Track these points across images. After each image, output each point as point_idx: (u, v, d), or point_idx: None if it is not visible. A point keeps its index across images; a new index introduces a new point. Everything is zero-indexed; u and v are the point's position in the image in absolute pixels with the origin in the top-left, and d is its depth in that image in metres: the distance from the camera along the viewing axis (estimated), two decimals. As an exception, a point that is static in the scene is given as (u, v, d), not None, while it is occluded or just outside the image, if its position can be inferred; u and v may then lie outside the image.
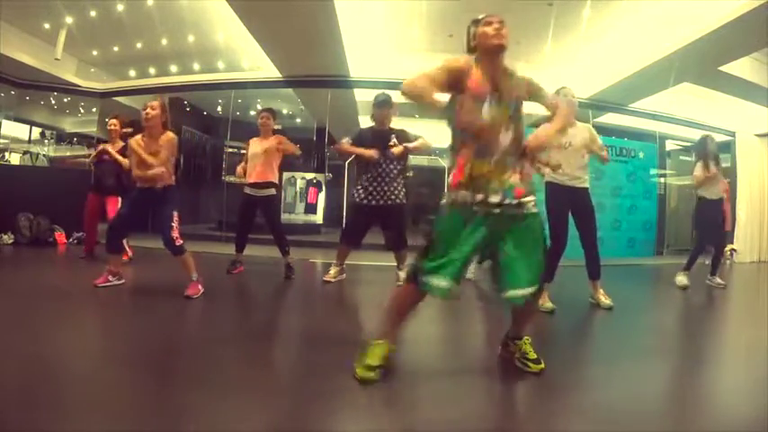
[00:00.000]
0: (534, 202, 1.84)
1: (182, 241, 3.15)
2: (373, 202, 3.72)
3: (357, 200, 3.79)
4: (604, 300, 3.29)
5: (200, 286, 3.15)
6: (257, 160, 4.05)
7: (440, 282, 1.72)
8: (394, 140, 3.73)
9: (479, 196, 1.75)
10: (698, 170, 4.42)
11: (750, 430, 1.51)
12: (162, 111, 3.18)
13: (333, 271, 4.02)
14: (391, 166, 3.75)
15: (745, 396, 1.84)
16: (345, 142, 3.85)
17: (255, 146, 4.10)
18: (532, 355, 1.91)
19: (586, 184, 3.29)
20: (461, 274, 1.77)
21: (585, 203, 3.28)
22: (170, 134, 3.21)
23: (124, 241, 4.62)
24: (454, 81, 1.80)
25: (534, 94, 1.90)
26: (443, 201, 1.85)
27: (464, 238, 1.75)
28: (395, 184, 3.76)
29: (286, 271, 4.11)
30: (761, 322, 3.20)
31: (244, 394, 1.63)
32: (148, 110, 3.14)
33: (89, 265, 4.46)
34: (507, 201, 1.76)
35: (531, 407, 1.75)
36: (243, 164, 4.17)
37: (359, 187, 3.82)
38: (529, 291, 1.77)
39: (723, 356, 2.56)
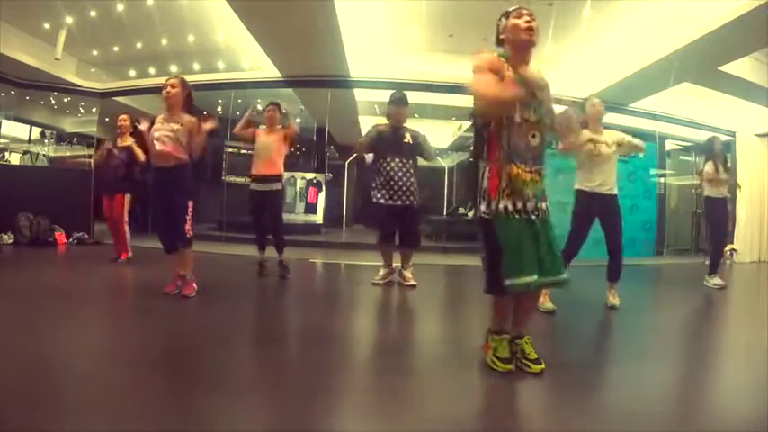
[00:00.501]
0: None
1: (192, 234, 3.05)
2: (399, 203, 3.77)
3: (382, 201, 3.81)
4: (612, 299, 3.35)
5: (194, 284, 3.11)
6: (263, 153, 4.03)
7: (527, 279, 1.76)
8: (408, 138, 3.80)
9: (519, 204, 1.80)
10: (709, 167, 4.49)
11: (750, 430, 1.51)
12: (183, 88, 3.07)
13: (382, 272, 4.02)
14: (407, 166, 3.79)
15: (746, 396, 1.83)
16: (365, 140, 3.88)
17: (262, 138, 4.07)
18: (533, 355, 1.90)
19: (614, 191, 3.33)
20: (540, 267, 1.80)
21: (613, 210, 3.32)
22: (191, 117, 3.07)
23: (128, 239, 4.63)
24: (500, 74, 1.80)
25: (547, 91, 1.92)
26: (492, 209, 1.82)
27: (529, 238, 1.80)
28: (410, 184, 3.80)
29: (281, 270, 4.09)
30: (761, 322, 3.20)
31: (244, 394, 1.63)
32: (169, 88, 3.02)
33: (89, 264, 4.46)
34: (539, 206, 1.84)
35: (531, 407, 1.75)
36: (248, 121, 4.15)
37: (379, 189, 3.83)
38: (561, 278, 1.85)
39: (723, 356, 2.56)
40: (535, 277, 1.78)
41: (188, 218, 3.02)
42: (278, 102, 4.31)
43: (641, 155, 3.72)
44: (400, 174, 3.76)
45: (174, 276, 3.13)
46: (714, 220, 4.68)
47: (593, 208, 3.27)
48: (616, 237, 3.32)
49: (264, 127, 4.13)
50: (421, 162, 4.03)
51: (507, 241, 1.81)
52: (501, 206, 1.80)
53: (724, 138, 8.58)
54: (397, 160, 3.78)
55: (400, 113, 3.84)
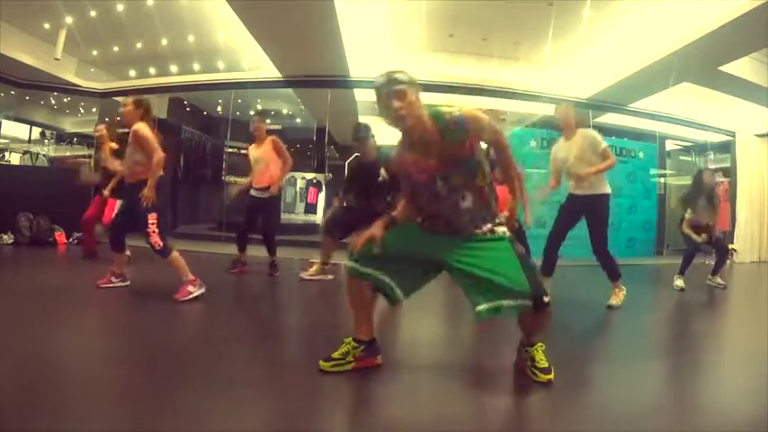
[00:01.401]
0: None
1: (162, 243, 3.02)
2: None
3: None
4: (613, 299, 3.33)
5: (189, 287, 3.01)
6: (257, 167, 4.13)
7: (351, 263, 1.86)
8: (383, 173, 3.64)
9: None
10: (690, 215, 4.53)
11: (750, 430, 1.51)
12: (136, 106, 3.17)
13: (315, 267, 4.07)
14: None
15: (746, 396, 1.84)
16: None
17: (253, 152, 4.19)
18: (542, 364, 1.83)
19: (598, 191, 3.30)
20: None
21: (591, 210, 3.32)
22: (141, 126, 3.09)
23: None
24: None
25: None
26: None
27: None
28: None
29: (269, 269, 4.18)
30: (761, 322, 3.20)
31: (243, 394, 1.63)
32: (121, 107, 3.20)
33: (90, 265, 4.46)
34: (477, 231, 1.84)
35: (530, 407, 1.74)
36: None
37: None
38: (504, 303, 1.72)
39: (723, 356, 2.55)
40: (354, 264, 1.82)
41: (149, 230, 3.01)
42: (262, 111, 4.38)
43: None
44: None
45: (109, 272, 3.27)
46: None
47: (569, 208, 3.38)
48: (595, 237, 3.32)
49: (254, 142, 4.21)
50: None
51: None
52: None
53: (724, 138, 8.64)
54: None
55: (368, 148, 3.71)
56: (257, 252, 4.38)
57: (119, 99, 8.64)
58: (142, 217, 3.02)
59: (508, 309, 1.69)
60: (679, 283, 4.38)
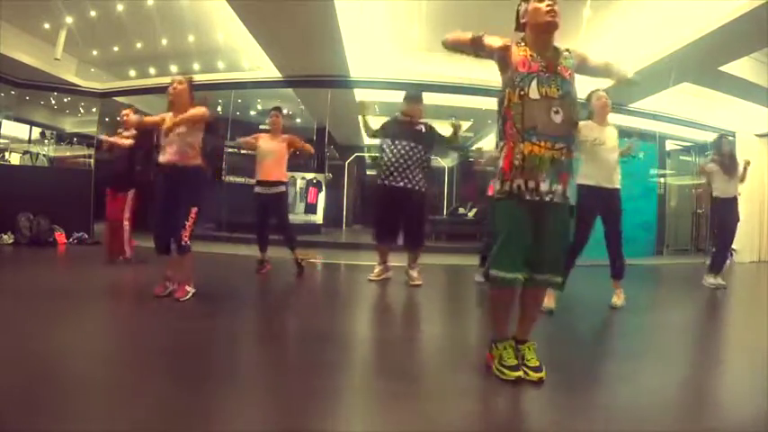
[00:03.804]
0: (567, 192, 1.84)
1: (188, 242, 2.92)
2: (401, 184, 3.79)
3: (378, 182, 3.88)
4: (615, 299, 3.33)
5: (187, 287, 3.00)
6: (267, 159, 4.06)
7: (508, 275, 1.77)
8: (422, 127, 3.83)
9: (531, 183, 1.75)
10: (711, 166, 4.50)
11: (750, 430, 1.51)
12: (190, 88, 3.03)
13: (377, 269, 4.09)
14: (416, 150, 3.80)
15: (746, 396, 1.83)
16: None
17: (266, 143, 4.09)
18: (533, 363, 1.81)
19: (618, 185, 3.30)
20: (532, 263, 1.80)
21: (615, 205, 3.29)
22: (200, 107, 2.95)
23: (127, 239, 4.60)
24: (500, 52, 1.81)
25: (583, 62, 1.92)
26: (504, 189, 1.80)
27: (526, 228, 1.77)
28: (414, 169, 3.79)
29: (297, 268, 4.15)
30: (761, 322, 3.20)
31: (243, 394, 1.64)
32: (175, 84, 2.97)
33: (89, 264, 4.46)
34: (554, 188, 1.77)
35: (530, 406, 1.74)
36: (248, 138, 4.21)
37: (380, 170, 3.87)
38: (555, 279, 1.84)
39: (723, 356, 2.55)
40: (518, 275, 1.76)
41: (187, 224, 2.91)
42: (280, 107, 4.35)
43: (637, 152, 3.64)
44: (407, 156, 3.70)
45: (163, 277, 3.05)
46: (723, 222, 4.59)
47: (596, 204, 3.20)
48: (616, 232, 3.29)
49: (267, 131, 4.15)
50: None
51: (500, 228, 1.80)
52: (514, 185, 1.77)
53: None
54: (405, 143, 3.71)
55: (414, 110, 3.85)
56: (255, 252, 4.37)
57: (119, 99, 8.66)
58: (184, 207, 2.90)
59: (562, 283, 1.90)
60: (718, 281, 4.36)
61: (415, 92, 3.92)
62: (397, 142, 3.74)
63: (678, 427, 1.53)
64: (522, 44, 1.83)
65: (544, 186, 1.76)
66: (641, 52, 6.36)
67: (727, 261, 4.47)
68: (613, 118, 9.07)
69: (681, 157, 9.57)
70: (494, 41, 1.83)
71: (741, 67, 6.44)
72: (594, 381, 1.99)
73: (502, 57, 1.82)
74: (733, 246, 7.55)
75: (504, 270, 1.77)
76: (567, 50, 1.88)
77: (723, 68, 6.35)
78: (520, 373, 1.77)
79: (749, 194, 8.13)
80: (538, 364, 1.81)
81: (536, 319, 1.96)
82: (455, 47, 1.90)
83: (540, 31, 1.82)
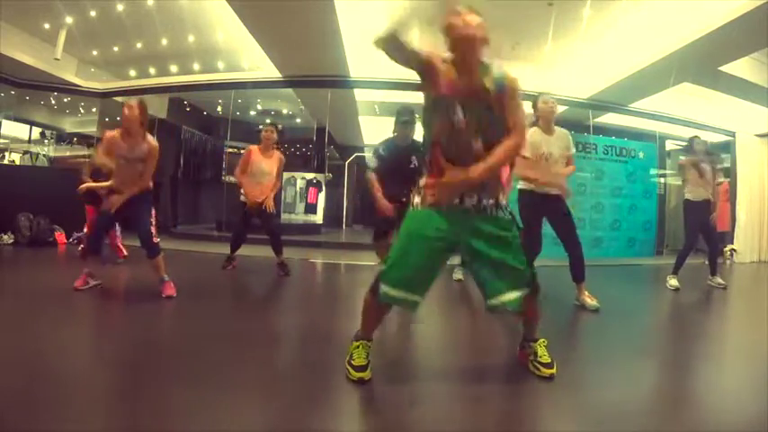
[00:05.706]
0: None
1: (157, 240, 3.11)
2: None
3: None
4: (590, 301, 3.19)
5: (171, 283, 3.09)
6: (262, 179, 4.04)
7: (393, 292, 1.73)
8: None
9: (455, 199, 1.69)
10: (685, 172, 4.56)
11: (750, 430, 1.51)
12: (141, 112, 3.07)
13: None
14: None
15: (746, 396, 1.83)
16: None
17: (260, 161, 4.06)
18: (545, 359, 1.85)
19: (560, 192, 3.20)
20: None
21: (559, 209, 3.20)
22: (152, 141, 3.11)
23: (119, 241, 4.63)
24: (426, 67, 1.73)
25: (501, 102, 1.69)
26: (415, 201, 1.75)
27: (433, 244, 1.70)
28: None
29: (279, 270, 4.15)
30: (761, 322, 3.20)
31: (240, 394, 1.64)
32: (126, 110, 3.02)
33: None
34: (484, 202, 1.70)
35: (530, 406, 1.74)
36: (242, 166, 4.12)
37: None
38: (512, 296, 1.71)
39: (723, 356, 2.55)
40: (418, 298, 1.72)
41: (152, 225, 3.08)
42: (273, 122, 4.35)
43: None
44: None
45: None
46: (687, 223, 4.55)
47: (539, 208, 3.15)
48: (568, 235, 3.20)
49: (259, 146, 4.11)
50: None
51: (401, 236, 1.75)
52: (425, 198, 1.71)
53: (724, 138, 8.63)
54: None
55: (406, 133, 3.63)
56: (255, 252, 4.38)
57: (119, 99, 8.66)
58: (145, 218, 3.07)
59: (521, 299, 1.70)
60: (674, 282, 4.33)
61: (408, 115, 3.70)
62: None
63: (678, 427, 1.53)
64: (449, 63, 1.82)
65: (468, 201, 1.71)
66: (641, 52, 6.37)
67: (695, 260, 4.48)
68: (614, 118, 9.04)
69: (681, 157, 9.56)
70: (422, 51, 1.82)
71: (741, 67, 6.44)
72: (592, 381, 1.98)
73: (428, 67, 1.82)
74: (733, 246, 7.59)
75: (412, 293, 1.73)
76: (498, 72, 1.79)
77: (723, 68, 6.35)
78: (364, 375, 1.72)
79: (749, 195, 8.16)
80: (549, 360, 1.85)
81: (537, 319, 1.95)
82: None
83: (459, 48, 1.78)
